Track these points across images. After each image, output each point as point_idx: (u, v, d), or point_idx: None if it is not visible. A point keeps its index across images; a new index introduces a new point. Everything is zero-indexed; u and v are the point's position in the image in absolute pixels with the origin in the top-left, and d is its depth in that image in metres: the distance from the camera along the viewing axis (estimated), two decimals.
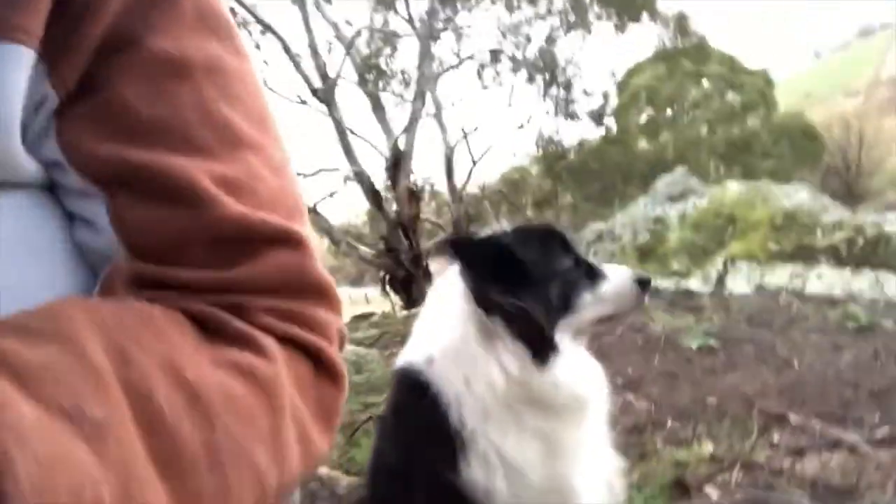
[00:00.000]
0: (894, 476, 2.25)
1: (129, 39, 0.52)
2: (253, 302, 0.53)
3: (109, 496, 0.35)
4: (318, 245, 0.62)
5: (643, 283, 1.34)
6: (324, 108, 12.61)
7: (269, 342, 0.52)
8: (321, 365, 0.58)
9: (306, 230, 0.59)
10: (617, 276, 1.34)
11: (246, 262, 0.53)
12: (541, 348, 1.24)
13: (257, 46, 13.58)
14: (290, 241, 0.56)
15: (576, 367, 1.29)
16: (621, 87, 20.86)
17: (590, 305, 1.33)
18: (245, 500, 0.45)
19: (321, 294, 0.59)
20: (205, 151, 0.54)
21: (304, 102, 12.90)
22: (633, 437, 2.97)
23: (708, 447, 2.68)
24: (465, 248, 1.32)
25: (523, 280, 1.27)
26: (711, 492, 2.28)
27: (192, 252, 0.53)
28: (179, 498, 0.40)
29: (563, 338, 1.28)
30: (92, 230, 0.54)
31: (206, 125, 0.54)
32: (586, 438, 1.28)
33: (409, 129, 13.64)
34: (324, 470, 3.04)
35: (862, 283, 5.99)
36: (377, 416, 3.70)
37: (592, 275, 1.35)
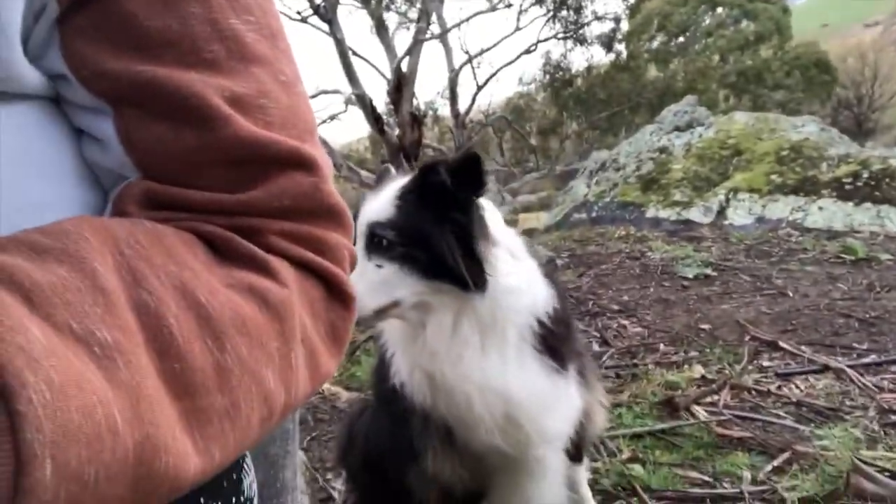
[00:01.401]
0: (877, 399, 2.32)
1: None
2: (266, 225, 0.53)
3: (120, 416, 0.35)
4: (330, 164, 0.61)
5: None
6: (325, 26, 12.23)
7: (282, 266, 0.52)
8: (332, 288, 0.58)
9: (319, 151, 0.58)
10: None
11: (259, 184, 0.52)
12: None
13: None
14: (304, 162, 0.55)
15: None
16: (633, 11, 20.15)
17: None
18: (253, 420, 0.46)
19: (334, 217, 0.58)
20: (215, 67, 0.52)
21: (304, 20, 12.50)
22: (625, 360, 3.04)
23: (698, 370, 2.75)
24: None
25: None
26: (699, 411, 2.35)
27: (203, 173, 0.52)
28: (189, 417, 0.41)
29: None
30: (101, 147, 0.53)
31: (215, 38, 0.52)
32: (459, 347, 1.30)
33: (413, 51, 13.29)
34: (325, 385, 3.14)
35: (863, 216, 5.97)
36: (376, 336, 3.80)
37: None
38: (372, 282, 1.21)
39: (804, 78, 25.05)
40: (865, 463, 1.76)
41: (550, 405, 1.37)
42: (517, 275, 1.32)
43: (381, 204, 1.28)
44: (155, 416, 0.38)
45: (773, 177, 6.98)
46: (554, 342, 1.36)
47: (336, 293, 0.58)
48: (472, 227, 1.24)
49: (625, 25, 18.65)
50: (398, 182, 1.32)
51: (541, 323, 1.33)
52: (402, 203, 1.26)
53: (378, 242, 1.23)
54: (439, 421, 1.39)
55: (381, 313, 1.25)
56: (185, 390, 0.41)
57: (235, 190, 0.52)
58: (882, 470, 1.75)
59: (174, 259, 0.45)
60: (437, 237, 1.22)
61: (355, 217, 1.24)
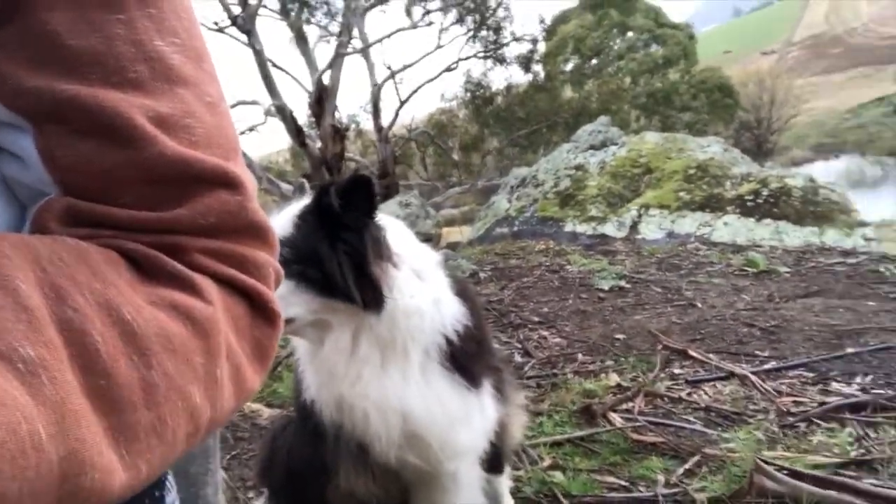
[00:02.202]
0: (777, 402, 2.47)
1: None
2: (190, 242, 0.52)
3: (45, 432, 0.35)
4: (253, 182, 0.61)
5: None
6: (243, 37, 11.99)
7: (206, 284, 0.51)
8: (257, 306, 0.58)
9: (243, 170, 0.58)
10: None
11: (183, 202, 0.52)
12: None
13: None
14: (229, 181, 0.55)
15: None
16: (549, 33, 20.85)
17: None
18: (179, 435, 0.46)
19: (259, 235, 0.59)
20: (139, 87, 0.51)
21: (220, 30, 12.21)
22: (546, 370, 3.11)
23: (614, 378, 2.85)
24: None
25: None
26: (615, 418, 2.43)
27: (127, 191, 0.51)
28: (116, 433, 0.40)
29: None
30: (20, 164, 0.52)
31: (140, 59, 0.52)
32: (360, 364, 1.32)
33: (334, 64, 13.22)
34: (246, 403, 3.05)
35: (764, 231, 6.37)
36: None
37: None
38: None
39: (709, 101, 26.62)
40: (767, 463, 1.87)
41: (459, 421, 1.38)
42: (420, 295, 1.33)
43: (281, 222, 1.28)
44: (81, 433, 0.37)
45: (682, 194, 7.35)
46: (464, 360, 1.37)
47: (261, 310, 0.58)
48: (365, 249, 1.25)
49: (542, 47, 19.22)
50: (303, 200, 1.33)
51: (449, 341, 1.35)
52: (301, 222, 1.27)
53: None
54: (350, 437, 1.38)
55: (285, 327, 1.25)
56: (111, 407, 0.40)
57: (160, 208, 0.52)
58: (781, 468, 1.86)
59: (98, 277, 0.44)
60: (329, 257, 1.23)
61: None
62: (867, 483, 1.77)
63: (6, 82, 0.49)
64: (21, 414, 0.34)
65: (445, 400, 1.35)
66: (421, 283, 1.35)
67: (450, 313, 1.37)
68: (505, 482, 1.77)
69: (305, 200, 1.32)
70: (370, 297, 1.25)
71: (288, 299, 1.22)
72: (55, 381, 0.37)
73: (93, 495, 0.38)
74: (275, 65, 12.76)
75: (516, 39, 17.54)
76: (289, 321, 1.22)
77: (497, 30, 16.95)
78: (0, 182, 0.53)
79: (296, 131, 12.31)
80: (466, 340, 1.38)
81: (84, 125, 0.49)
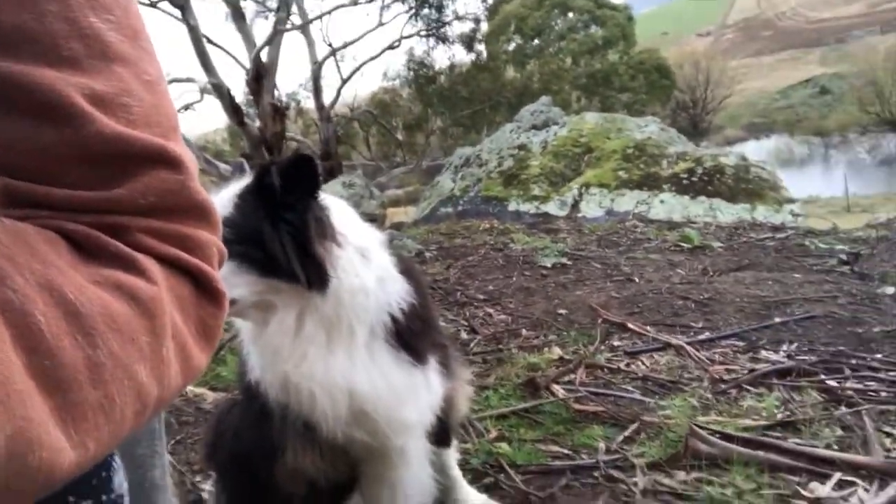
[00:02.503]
0: (710, 371, 2.59)
1: None
2: (132, 222, 0.52)
3: None
4: (195, 162, 0.61)
5: None
6: (177, 12, 11.54)
7: (149, 263, 0.51)
8: (202, 285, 0.58)
9: (183, 149, 0.58)
10: None
11: (124, 181, 0.52)
12: None
13: None
14: (169, 160, 0.55)
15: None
16: (492, 12, 20.88)
17: None
18: (127, 413, 0.46)
19: (202, 215, 0.59)
20: (74, 65, 0.50)
21: (153, 5, 11.73)
22: (491, 345, 3.17)
23: (557, 352, 2.92)
24: None
25: None
26: (558, 389, 2.50)
27: (64, 170, 0.50)
28: (62, 412, 0.40)
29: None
30: None
31: (74, 36, 0.51)
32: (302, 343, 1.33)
33: (273, 41, 12.88)
34: (189, 387, 2.99)
35: (698, 208, 6.61)
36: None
37: None
38: None
39: (647, 81, 27.24)
40: (700, 427, 1.96)
41: (405, 397, 1.39)
42: (365, 274, 1.34)
43: (221, 201, 1.25)
44: (26, 411, 0.37)
45: (621, 173, 7.54)
46: (409, 337, 1.39)
47: (206, 290, 0.59)
48: (308, 228, 1.24)
49: (484, 27, 19.23)
50: (243, 180, 1.30)
51: (394, 319, 1.36)
52: (241, 202, 1.25)
53: None
54: (296, 416, 1.38)
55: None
56: (57, 386, 0.40)
57: (100, 187, 0.51)
58: (714, 433, 1.95)
59: (38, 257, 0.44)
60: (271, 237, 1.21)
61: None
62: (791, 443, 1.89)
63: None
64: None
65: (391, 376, 1.36)
66: (365, 262, 1.35)
67: (395, 291, 1.38)
68: (452, 454, 1.80)
69: (245, 180, 1.30)
70: (314, 276, 1.24)
71: (230, 280, 1.19)
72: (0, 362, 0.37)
73: (40, 474, 0.38)
74: (210, 41, 12.34)
75: (459, 18, 17.49)
76: (232, 302, 1.21)
77: (439, 8, 16.85)
78: None
79: (233, 110, 11.97)
80: (412, 318, 1.39)
81: (19, 104, 0.48)
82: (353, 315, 1.32)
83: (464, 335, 3.36)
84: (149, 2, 11.68)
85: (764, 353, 2.76)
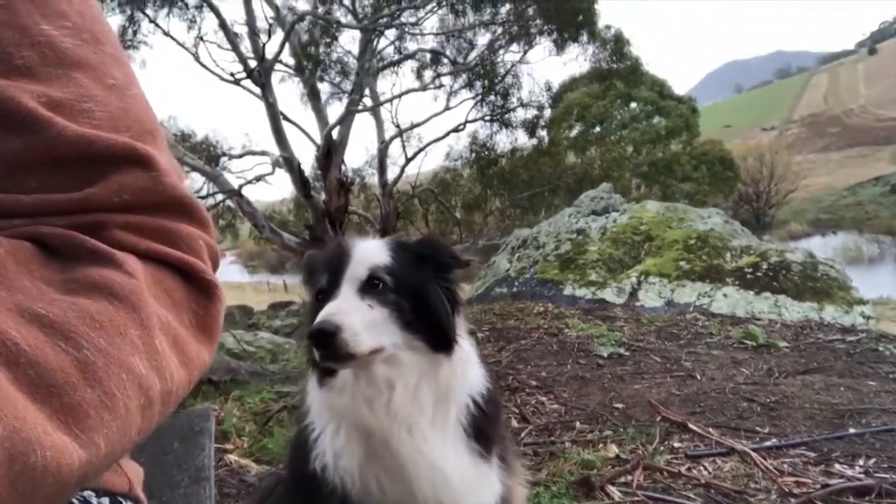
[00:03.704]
0: (779, 482, 2.42)
1: None
2: (108, 219, 0.52)
3: None
4: (177, 166, 0.61)
5: (311, 337, 1.18)
6: (258, 90, 12.26)
7: (126, 258, 0.51)
8: (191, 278, 0.58)
9: (161, 152, 0.58)
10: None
11: (94, 182, 0.52)
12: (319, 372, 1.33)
13: (193, 20, 13.14)
14: (139, 159, 0.55)
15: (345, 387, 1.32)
16: (555, 100, 21.39)
17: None
18: (131, 406, 0.45)
19: (184, 211, 0.59)
20: (27, 73, 0.51)
21: (237, 82, 12.49)
22: (543, 437, 3.06)
23: (613, 449, 2.79)
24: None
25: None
26: (614, 491, 2.37)
27: (31, 177, 0.51)
28: (61, 416, 0.40)
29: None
30: None
31: (25, 45, 0.51)
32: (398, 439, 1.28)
33: (344, 121, 13.47)
34: (234, 457, 2.98)
35: (763, 304, 6.37)
36: (290, 407, 3.66)
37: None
38: (365, 322, 1.19)
39: (710, 172, 27.07)
40: None
41: (473, 489, 1.34)
42: (469, 350, 1.34)
43: (378, 251, 1.30)
44: (18, 413, 0.37)
45: (682, 263, 7.38)
46: (483, 425, 1.35)
47: (196, 282, 0.58)
48: (455, 293, 1.33)
49: (547, 113, 19.62)
50: (376, 240, 1.36)
51: (475, 403, 1.33)
52: (399, 258, 1.29)
53: (374, 285, 1.25)
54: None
55: (369, 356, 1.22)
56: (47, 392, 0.40)
57: (70, 190, 0.51)
58: None
59: (3, 285, 0.44)
60: (433, 292, 1.28)
61: (340, 260, 1.27)
62: None
63: None
64: None
65: (464, 466, 1.32)
66: (464, 339, 1.36)
67: (476, 375, 1.37)
68: None
69: (381, 240, 1.36)
70: (445, 340, 1.27)
71: (382, 327, 1.22)
72: None
73: (48, 474, 0.38)
74: (286, 118, 13.01)
75: (523, 105, 17.92)
76: (377, 350, 1.21)
77: (505, 95, 17.33)
78: None
79: (301, 183, 12.43)
80: (489, 404, 1.36)
81: None
82: (456, 390, 1.31)
83: (515, 423, 3.27)
84: (234, 79, 12.44)
85: (838, 467, 2.57)
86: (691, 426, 3.03)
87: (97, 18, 0.59)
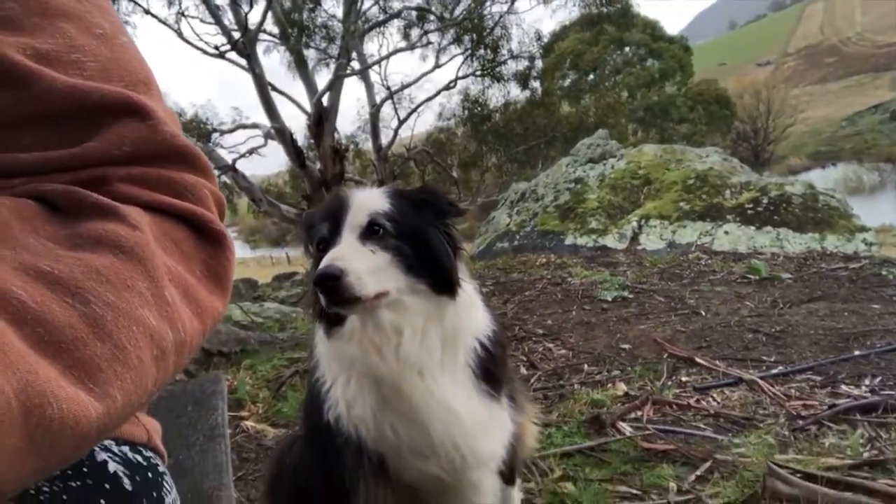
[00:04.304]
0: (787, 406, 2.46)
1: None
2: (110, 172, 0.52)
3: None
4: (173, 116, 0.60)
5: (317, 281, 1.17)
6: (243, 61, 12.08)
7: (130, 210, 0.51)
8: (199, 227, 0.57)
9: (155, 101, 0.57)
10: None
11: (92, 135, 0.51)
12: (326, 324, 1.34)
13: None
14: (135, 109, 0.54)
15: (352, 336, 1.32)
16: (547, 50, 21.06)
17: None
18: (145, 358, 0.45)
19: (186, 160, 0.58)
20: (10, 24, 0.50)
21: (221, 55, 12.30)
22: (552, 381, 3.10)
23: (622, 387, 2.83)
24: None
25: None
26: (625, 427, 2.41)
27: (27, 133, 0.50)
28: (73, 371, 0.40)
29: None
30: None
31: None
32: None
33: (333, 86, 13.30)
34: (250, 423, 3.03)
35: (765, 239, 6.37)
36: (302, 371, 3.70)
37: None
38: (368, 266, 1.20)
39: (706, 112, 26.80)
40: (779, 466, 1.85)
41: (485, 429, 1.37)
42: (472, 294, 1.35)
43: (377, 199, 1.30)
44: (30, 366, 0.36)
45: (682, 204, 7.36)
46: (491, 366, 1.37)
47: (204, 231, 0.58)
48: (455, 238, 1.34)
49: (539, 63, 19.32)
50: (375, 188, 1.37)
51: (482, 346, 1.35)
52: (399, 204, 1.30)
53: (375, 231, 1.26)
54: (373, 453, 1.36)
55: (375, 300, 1.23)
56: (57, 348, 0.40)
57: (68, 144, 0.51)
58: (794, 472, 1.84)
59: (8, 244, 0.44)
60: (434, 236, 1.29)
61: (339, 209, 1.28)
62: (882, 483, 1.76)
63: None
64: None
65: (475, 407, 1.34)
66: (467, 282, 1.37)
67: (481, 319, 1.39)
68: (517, 493, 1.76)
69: (380, 188, 1.37)
70: (448, 283, 1.29)
71: (385, 272, 1.23)
72: None
73: (66, 426, 0.38)
74: (274, 88, 12.83)
75: (514, 57, 17.64)
76: (382, 294, 1.22)
77: (495, 48, 17.04)
78: None
79: (295, 153, 12.34)
80: (496, 346, 1.38)
81: None
82: (462, 331, 1.33)
83: (523, 370, 3.30)
84: (218, 52, 12.25)
85: (844, 388, 2.60)
86: (698, 360, 3.07)
87: None
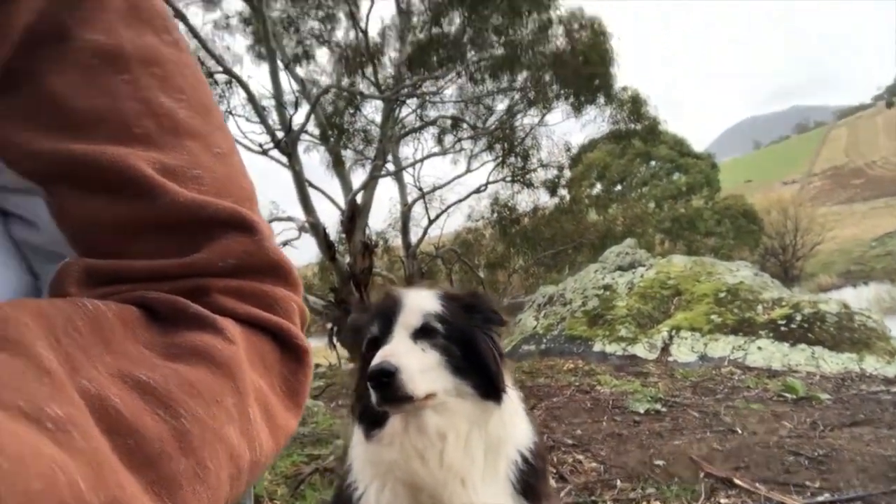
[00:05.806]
0: None
1: (57, 32, 0.52)
2: (210, 283, 0.53)
3: (84, 482, 0.34)
4: (272, 230, 0.62)
5: (371, 377, 1.16)
6: (284, 158, 12.62)
7: (227, 324, 0.51)
8: (284, 342, 0.58)
9: (259, 217, 0.60)
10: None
11: (201, 247, 0.53)
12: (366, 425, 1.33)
13: (222, 95, 13.68)
14: (244, 224, 0.56)
15: (393, 440, 1.29)
16: (575, 161, 21.68)
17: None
18: (222, 477, 0.45)
19: (278, 273, 0.59)
20: (145, 141, 0.53)
21: (265, 153, 12.89)
22: (583, 496, 2.96)
23: None
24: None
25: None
26: None
27: (142, 242, 0.52)
28: (156, 487, 0.40)
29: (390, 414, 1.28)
30: (31, 228, 0.53)
31: (145, 115, 0.54)
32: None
33: (368, 185, 13.77)
34: (283, 445, 2.92)
35: (799, 357, 6.20)
36: (322, 469, 3.60)
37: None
38: (420, 364, 1.21)
39: (734, 226, 26.94)
40: None
41: None
42: (517, 402, 1.34)
43: (429, 300, 1.32)
44: (119, 479, 0.37)
45: (713, 317, 7.26)
46: (532, 480, 1.32)
47: (288, 346, 0.58)
48: (499, 345, 1.35)
49: (568, 173, 19.84)
50: (426, 290, 1.39)
51: (524, 458, 1.31)
52: (450, 307, 1.32)
53: (426, 331, 1.27)
54: None
55: (424, 401, 1.21)
56: (145, 462, 0.40)
57: (177, 255, 0.52)
58: None
59: (110, 348, 0.44)
60: (482, 340, 1.30)
61: (392, 308, 1.29)
62: None
63: (13, 147, 0.51)
64: (56, 465, 0.33)
65: None
66: (512, 390, 1.36)
67: (525, 427, 1.36)
68: None
69: (430, 291, 1.39)
70: (494, 388, 1.28)
71: (435, 372, 1.23)
72: (87, 436, 0.37)
73: None
74: (311, 184, 13.31)
75: (543, 165, 18.17)
76: (431, 395, 1.21)
77: (525, 157, 17.62)
78: (12, 248, 0.54)
79: (327, 246, 12.61)
80: (537, 458, 1.34)
81: (93, 181, 0.51)
82: (505, 441, 1.30)
83: (553, 482, 3.17)
84: (261, 150, 12.84)
85: None
86: (737, 482, 2.92)
87: (206, 92, 0.63)
